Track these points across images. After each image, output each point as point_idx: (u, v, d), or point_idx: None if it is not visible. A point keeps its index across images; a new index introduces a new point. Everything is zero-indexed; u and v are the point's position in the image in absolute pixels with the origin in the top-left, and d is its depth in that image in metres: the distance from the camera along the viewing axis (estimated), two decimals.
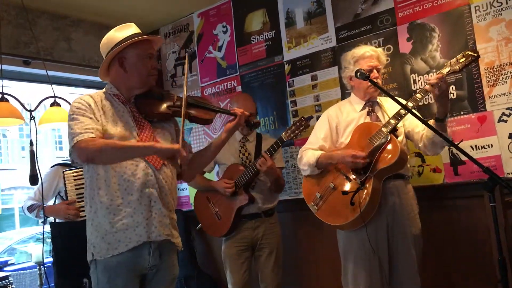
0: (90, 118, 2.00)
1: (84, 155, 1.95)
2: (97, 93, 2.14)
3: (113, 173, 2.00)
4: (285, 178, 3.76)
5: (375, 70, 2.62)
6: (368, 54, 2.65)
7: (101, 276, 2.00)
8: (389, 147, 2.46)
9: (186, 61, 2.50)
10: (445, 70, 2.37)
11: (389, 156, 2.45)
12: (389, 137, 2.46)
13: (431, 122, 2.43)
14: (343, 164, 2.58)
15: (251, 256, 3.26)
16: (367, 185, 2.47)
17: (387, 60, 2.98)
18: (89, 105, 2.04)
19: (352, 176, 2.54)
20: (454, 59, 2.39)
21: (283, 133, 3.05)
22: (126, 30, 2.12)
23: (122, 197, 1.99)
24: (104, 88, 2.18)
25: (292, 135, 3.02)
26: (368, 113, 2.68)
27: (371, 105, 2.69)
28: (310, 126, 3.04)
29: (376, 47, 2.99)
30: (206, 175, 3.47)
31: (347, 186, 2.54)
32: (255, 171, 3.09)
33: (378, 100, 2.71)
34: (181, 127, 2.09)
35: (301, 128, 3.02)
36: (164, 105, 2.16)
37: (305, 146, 2.80)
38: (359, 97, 2.73)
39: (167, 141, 2.15)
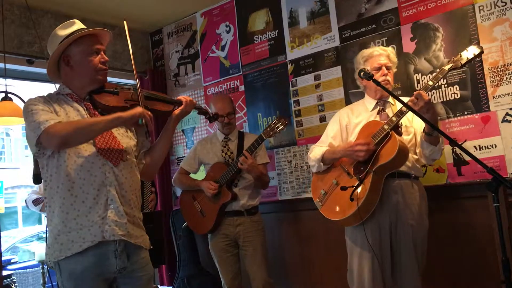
0: (50, 112, 1.93)
1: (57, 138, 1.84)
2: (48, 94, 2.08)
3: (70, 171, 1.91)
4: (287, 178, 3.76)
5: (384, 68, 2.63)
6: (376, 53, 2.69)
7: (66, 283, 1.91)
8: (389, 144, 2.48)
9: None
10: (447, 67, 2.41)
11: (388, 153, 2.47)
12: (389, 134, 2.48)
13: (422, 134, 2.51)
14: (346, 157, 2.62)
15: (237, 249, 3.34)
16: (365, 181, 2.49)
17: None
18: (44, 103, 1.97)
19: (353, 173, 2.57)
20: (458, 55, 2.42)
21: (263, 131, 3.16)
22: (69, 28, 2.04)
23: (76, 195, 1.91)
24: (57, 89, 2.10)
25: (271, 132, 3.13)
26: (379, 112, 2.70)
27: (382, 104, 2.72)
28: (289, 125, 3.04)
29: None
30: (192, 176, 3.53)
31: (347, 183, 2.57)
32: (237, 169, 3.17)
33: (390, 99, 2.71)
34: (138, 93, 2.06)
35: (279, 126, 3.13)
36: (121, 99, 2.10)
37: (315, 144, 2.87)
38: (371, 96, 2.76)
39: (125, 136, 2.09)
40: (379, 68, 2.63)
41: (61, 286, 1.94)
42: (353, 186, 2.51)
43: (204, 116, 2.52)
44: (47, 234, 1.98)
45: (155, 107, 2.16)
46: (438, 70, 2.47)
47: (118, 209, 1.94)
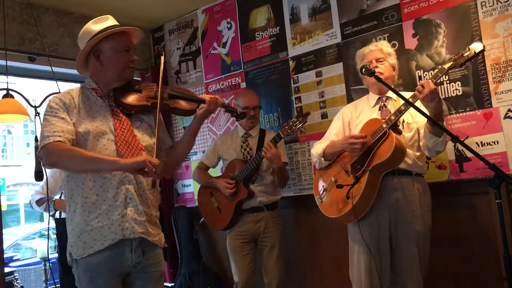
0: (62, 118, 1.95)
1: (48, 159, 1.90)
2: (75, 88, 2.11)
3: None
4: (289, 175, 3.76)
5: (373, 61, 2.67)
6: (367, 50, 2.76)
7: (82, 276, 1.96)
8: (386, 143, 2.48)
9: (162, 61, 2.25)
10: (447, 65, 2.39)
11: (384, 152, 2.47)
12: (387, 133, 2.48)
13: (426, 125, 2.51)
14: (345, 151, 2.64)
15: (254, 248, 3.33)
16: (361, 180, 2.50)
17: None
18: (64, 104, 1.99)
19: (350, 171, 2.58)
20: (459, 53, 2.40)
21: (281, 128, 3.14)
22: (102, 23, 2.08)
23: (97, 194, 1.94)
24: (83, 83, 2.14)
25: (289, 130, 3.11)
26: (380, 108, 2.71)
27: (383, 100, 2.73)
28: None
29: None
30: (210, 171, 3.52)
31: (345, 181, 2.59)
32: (256, 166, 3.17)
33: (391, 94, 2.71)
34: (157, 120, 2.06)
35: (297, 123, 3.10)
36: (143, 97, 2.11)
37: (318, 141, 2.89)
38: (373, 92, 2.78)
39: (146, 134, 2.10)
40: (370, 63, 2.67)
41: (77, 278, 2.00)
42: (348, 185, 2.52)
43: (230, 115, 2.45)
44: (68, 231, 2.02)
45: (177, 106, 2.15)
46: (439, 67, 2.46)
47: (137, 207, 1.98)
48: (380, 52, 2.71)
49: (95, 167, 1.92)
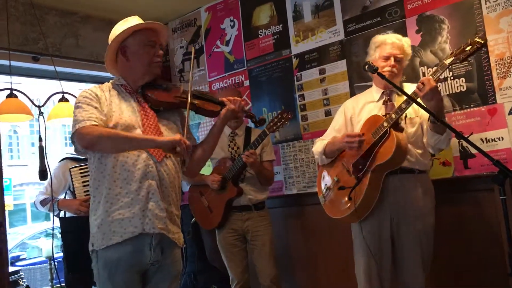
0: (95, 107, 2.01)
1: (85, 140, 1.94)
2: (105, 84, 2.17)
3: (115, 163, 1.99)
4: (293, 173, 3.76)
5: (392, 58, 2.55)
6: (389, 41, 2.59)
7: (101, 271, 1.98)
8: (387, 142, 2.42)
9: (193, 52, 2.42)
10: (448, 61, 2.32)
11: (385, 152, 2.42)
12: (388, 132, 2.42)
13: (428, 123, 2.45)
14: (349, 151, 2.58)
15: (245, 244, 3.36)
16: (363, 181, 2.46)
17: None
18: (96, 95, 2.05)
19: (352, 171, 2.54)
20: (460, 48, 2.33)
21: (266, 125, 3.12)
22: (129, 22, 2.14)
23: (121, 187, 1.97)
24: (113, 80, 2.20)
25: (274, 127, 3.11)
26: (384, 103, 2.63)
27: (388, 94, 2.64)
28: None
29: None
30: (202, 171, 3.52)
31: (347, 181, 2.55)
32: (243, 164, 3.17)
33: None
34: (187, 117, 2.09)
35: (282, 120, 3.11)
36: (171, 95, 2.16)
37: (320, 137, 2.85)
38: (378, 86, 2.69)
39: (171, 132, 2.14)
40: (387, 58, 2.56)
41: (96, 273, 2.02)
42: (350, 187, 2.48)
43: (250, 120, 2.44)
44: (90, 222, 2.05)
45: (202, 106, 2.19)
46: (439, 63, 2.40)
47: (159, 203, 2.00)
48: (401, 52, 2.59)
49: (131, 146, 1.98)
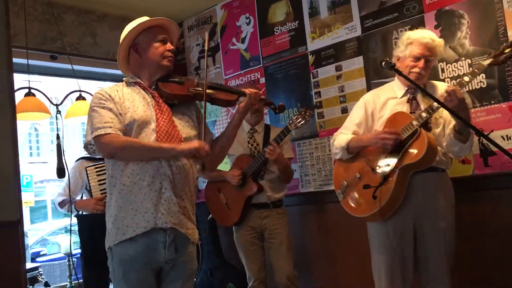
0: (110, 109, 2.02)
1: (106, 151, 2.00)
2: (119, 83, 2.19)
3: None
4: (309, 171, 3.73)
5: (423, 60, 2.45)
6: (424, 40, 2.46)
7: (116, 268, 2.00)
8: (418, 142, 2.35)
9: (206, 39, 2.33)
10: (486, 62, 2.23)
11: (416, 152, 2.35)
12: (418, 131, 2.35)
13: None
14: (372, 146, 2.50)
15: (263, 242, 3.33)
16: (390, 180, 2.40)
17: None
18: (110, 95, 2.07)
19: (377, 169, 2.47)
20: (500, 49, 2.23)
21: (289, 122, 3.12)
22: (139, 21, 2.16)
23: (134, 182, 1.99)
24: (126, 78, 2.21)
25: (297, 124, 3.09)
26: (409, 101, 2.54)
27: (412, 92, 2.54)
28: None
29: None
30: (220, 167, 3.51)
31: (371, 179, 2.48)
32: (263, 161, 3.15)
33: (423, 87, 2.49)
34: (203, 120, 2.09)
35: (306, 117, 3.09)
36: (185, 88, 2.15)
37: (339, 130, 2.77)
38: (402, 82, 2.59)
39: (187, 126, 2.15)
40: (418, 58, 2.46)
41: (112, 271, 2.04)
42: (375, 186, 2.41)
43: (270, 107, 2.45)
44: (107, 221, 2.06)
45: (218, 96, 2.17)
46: (475, 65, 2.32)
47: (171, 198, 2.01)
48: (433, 53, 2.48)
49: (153, 155, 2.00)
